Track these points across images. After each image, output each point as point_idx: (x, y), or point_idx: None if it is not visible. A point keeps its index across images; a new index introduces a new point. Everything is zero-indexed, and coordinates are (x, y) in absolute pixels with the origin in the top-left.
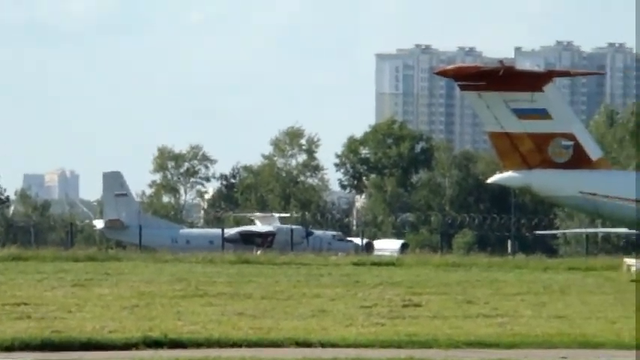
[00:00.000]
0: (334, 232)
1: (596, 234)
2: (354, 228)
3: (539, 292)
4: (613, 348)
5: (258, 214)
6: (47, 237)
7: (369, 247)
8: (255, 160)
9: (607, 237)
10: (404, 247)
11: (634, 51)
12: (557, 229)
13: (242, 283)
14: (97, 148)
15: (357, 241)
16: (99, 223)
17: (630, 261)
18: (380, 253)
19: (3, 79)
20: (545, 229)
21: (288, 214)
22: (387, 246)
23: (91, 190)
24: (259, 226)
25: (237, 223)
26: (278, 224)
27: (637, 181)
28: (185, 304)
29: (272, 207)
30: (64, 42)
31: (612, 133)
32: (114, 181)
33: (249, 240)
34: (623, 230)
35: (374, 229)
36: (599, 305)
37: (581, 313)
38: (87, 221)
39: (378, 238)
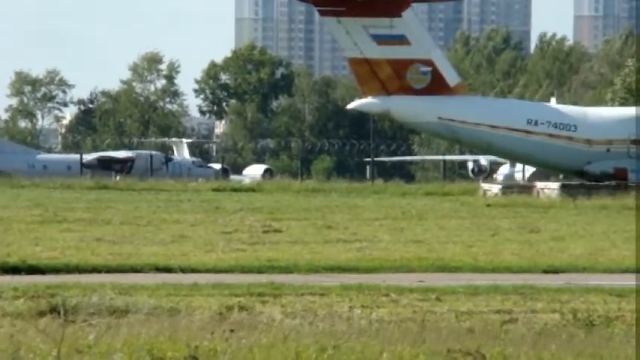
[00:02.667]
0: (194, 159)
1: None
2: (214, 154)
3: (398, 217)
4: (470, 271)
5: (174, 139)
6: None
7: (224, 173)
8: (113, 86)
9: (464, 162)
10: (267, 172)
11: None
12: (415, 154)
13: (101, 208)
14: None
15: (217, 167)
16: None
17: (486, 185)
18: (240, 179)
19: None
20: (404, 155)
21: (190, 140)
22: (253, 172)
23: None
24: (118, 152)
25: (96, 149)
26: (186, 150)
27: (493, 107)
28: (43, 230)
29: (130, 132)
30: None
31: (469, 60)
32: None
33: (107, 166)
34: (475, 157)
35: (234, 155)
36: (456, 230)
37: (438, 237)
38: None
39: (239, 164)
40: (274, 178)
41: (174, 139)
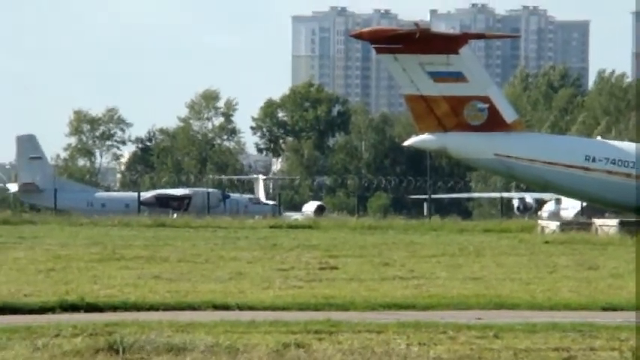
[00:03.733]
0: (251, 196)
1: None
2: (271, 191)
3: (455, 254)
4: (528, 309)
5: (254, 176)
6: None
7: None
8: (171, 123)
9: (522, 199)
10: (320, 209)
11: (548, 13)
12: (472, 191)
13: (158, 246)
14: (11, 110)
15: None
16: (13, 187)
17: (544, 222)
18: (291, 215)
19: None
20: (461, 192)
21: (265, 177)
22: (308, 209)
23: (4, 154)
24: (175, 190)
25: (154, 187)
26: (261, 186)
27: (550, 144)
28: (101, 268)
29: (188, 170)
30: None
31: (527, 96)
32: (28, 145)
33: (165, 203)
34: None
35: (291, 192)
36: (514, 267)
37: (496, 274)
38: (0, 185)
39: (296, 202)
40: (327, 215)
41: (253, 176)
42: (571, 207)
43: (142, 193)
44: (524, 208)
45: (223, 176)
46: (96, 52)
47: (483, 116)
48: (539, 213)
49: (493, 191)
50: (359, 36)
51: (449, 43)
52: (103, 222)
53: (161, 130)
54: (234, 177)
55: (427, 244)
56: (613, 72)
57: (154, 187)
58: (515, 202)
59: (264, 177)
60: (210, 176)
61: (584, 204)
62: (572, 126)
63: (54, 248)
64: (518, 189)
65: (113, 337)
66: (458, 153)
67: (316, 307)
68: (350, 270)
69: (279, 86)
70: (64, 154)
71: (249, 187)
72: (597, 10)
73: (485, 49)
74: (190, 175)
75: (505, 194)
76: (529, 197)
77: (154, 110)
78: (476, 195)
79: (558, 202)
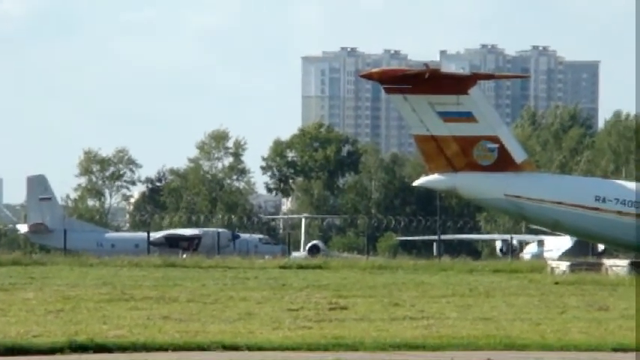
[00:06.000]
0: (261, 236)
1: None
2: (281, 231)
3: (465, 295)
4: (538, 349)
5: (305, 215)
6: None
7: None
8: (181, 164)
9: (505, 241)
10: (314, 249)
11: (557, 53)
12: (481, 231)
13: (168, 286)
14: (21, 151)
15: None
16: (23, 228)
17: (554, 263)
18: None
19: None
20: (471, 232)
21: (307, 215)
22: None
23: (15, 194)
24: (185, 230)
25: (164, 227)
26: (302, 225)
27: (560, 184)
28: (111, 308)
29: (198, 210)
30: None
31: (536, 136)
32: (38, 185)
33: (174, 244)
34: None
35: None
36: (524, 307)
37: (506, 314)
38: (10, 225)
39: (306, 242)
40: (326, 254)
41: (305, 215)
42: (555, 249)
43: (151, 234)
44: (508, 250)
45: (265, 216)
46: (105, 93)
47: (493, 156)
48: (520, 255)
49: (502, 231)
50: (369, 76)
51: (458, 84)
52: (112, 262)
53: (171, 171)
54: (273, 217)
55: (437, 285)
56: (628, 114)
57: (164, 227)
58: (498, 244)
59: (307, 215)
60: (255, 219)
61: (571, 245)
62: (579, 166)
63: (63, 289)
64: (529, 229)
65: None
66: (468, 193)
67: (326, 348)
68: (360, 310)
69: (289, 126)
70: (73, 195)
71: (259, 227)
72: (607, 51)
73: (495, 89)
74: (200, 216)
75: (516, 236)
76: (514, 239)
77: (163, 150)
78: (486, 237)
79: (541, 244)
